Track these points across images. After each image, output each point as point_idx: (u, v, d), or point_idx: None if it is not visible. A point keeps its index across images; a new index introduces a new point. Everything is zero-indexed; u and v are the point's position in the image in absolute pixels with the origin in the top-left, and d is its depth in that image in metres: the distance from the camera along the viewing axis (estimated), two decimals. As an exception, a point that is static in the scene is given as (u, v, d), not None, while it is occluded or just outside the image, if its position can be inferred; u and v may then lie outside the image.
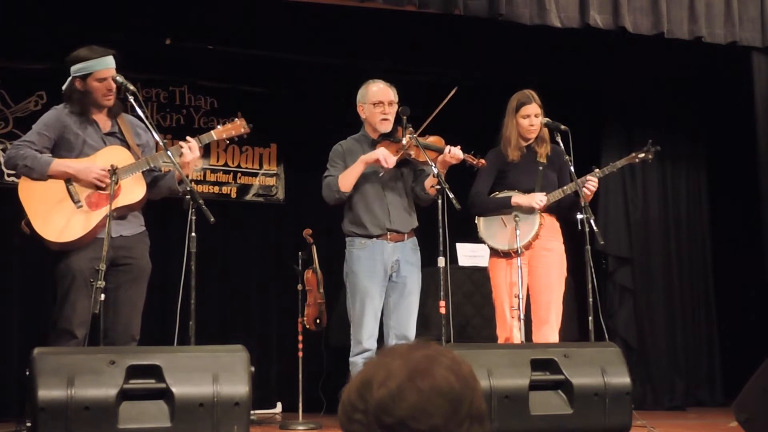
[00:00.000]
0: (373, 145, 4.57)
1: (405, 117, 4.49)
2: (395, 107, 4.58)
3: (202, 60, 6.73)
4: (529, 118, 4.79)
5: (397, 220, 4.53)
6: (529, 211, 4.74)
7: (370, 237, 4.49)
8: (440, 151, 4.47)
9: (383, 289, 4.49)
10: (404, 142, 4.49)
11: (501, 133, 4.88)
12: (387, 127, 4.56)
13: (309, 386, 5.99)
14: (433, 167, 4.34)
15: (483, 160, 4.61)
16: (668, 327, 6.89)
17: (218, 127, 4.30)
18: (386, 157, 4.41)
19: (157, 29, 6.34)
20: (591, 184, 4.77)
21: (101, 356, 3.35)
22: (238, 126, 4.30)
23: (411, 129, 4.50)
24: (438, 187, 4.30)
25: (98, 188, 3.98)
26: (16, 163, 4.00)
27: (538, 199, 4.72)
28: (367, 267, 4.46)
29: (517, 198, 4.75)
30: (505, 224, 4.76)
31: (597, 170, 4.89)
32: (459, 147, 4.48)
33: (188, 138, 4.16)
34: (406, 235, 4.56)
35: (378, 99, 4.57)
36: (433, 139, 4.58)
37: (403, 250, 4.53)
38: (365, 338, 4.40)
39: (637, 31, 5.74)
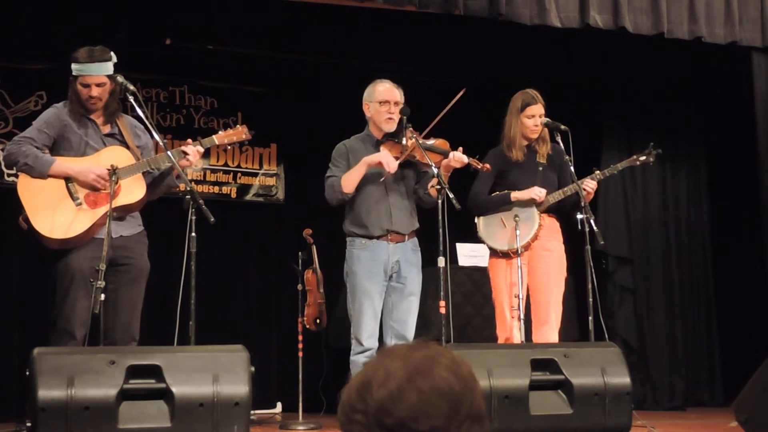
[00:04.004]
0: (377, 145, 4.56)
1: (405, 117, 4.48)
2: (401, 108, 4.57)
3: (202, 60, 6.73)
4: (534, 118, 4.79)
5: (399, 221, 4.52)
6: (529, 205, 4.73)
7: (371, 237, 4.49)
8: (445, 154, 4.47)
9: (383, 289, 4.49)
10: (404, 142, 4.49)
11: (503, 133, 4.87)
12: (392, 127, 4.55)
13: (309, 386, 5.99)
14: (433, 167, 4.33)
15: (488, 165, 4.60)
16: (668, 327, 6.89)
17: (220, 132, 4.31)
18: (389, 161, 4.40)
19: (157, 29, 6.34)
20: (589, 186, 4.77)
21: (101, 356, 3.35)
22: (240, 132, 4.31)
23: (411, 129, 4.49)
24: (438, 186, 4.30)
25: (96, 190, 3.98)
26: (17, 159, 4.00)
27: (537, 190, 4.72)
28: (367, 267, 4.46)
29: (516, 193, 4.75)
30: (504, 224, 4.76)
31: (597, 172, 4.89)
32: (461, 149, 4.47)
33: (190, 141, 4.16)
34: (406, 236, 4.55)
35: (384, 98, 4.56)
36: (437, 142, 4.56)
37: (403, 250, 4.53)
38: (365, 338, 4.40)
39: (637, 31, 5.74)
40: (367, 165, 4.44)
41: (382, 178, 4.46)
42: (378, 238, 4.49)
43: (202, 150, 4.16)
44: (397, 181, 4.57)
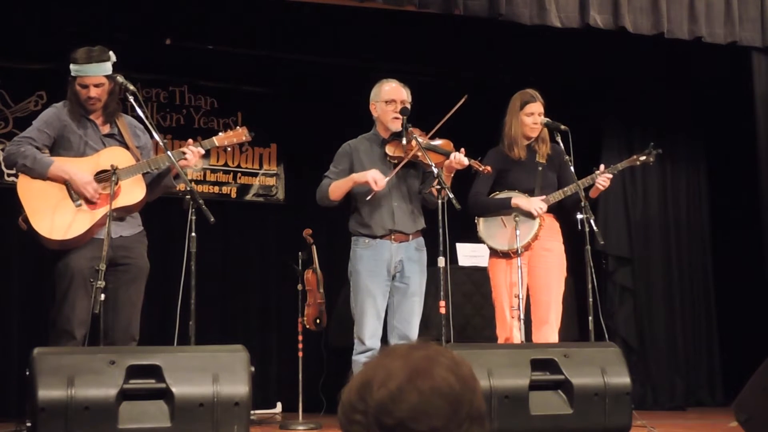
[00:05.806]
0: (383, 145, 4.56)
1: (404, 117, 4.48)
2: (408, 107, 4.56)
3: (202, 60, 6.73)
4: (533, 116, 4.79)
5: (402, 222, 4.52)
6: (529, 213, 4.73)
7: (374, 237, 4.49)
8: (447, 155, 4.46)
9: (386, 289, 4.48)
10: (404, 141, 4.48)
11: (503, 133, 4.87)
12: (399, 126, 4.54)
13: (309, 386, 5.98)
14: (433, 167, 4.33)
15: (489, 168, 4.60)
16: (668, 327, 6.89)
17: (220, 133, 4.31)
18: (377, 180, 4.39)
19: (157, 29, 6.34)
20: (602, 183, 4.75)
21: (101, 356, 3.35)
22: (240, 134, 4.31)
23: (412, 129, 4.48)
24: (438, 187, 4.29)
25: (87, 200, 3.97)
26: (16, 160, 4.00)
27: (538, 206, 4.70)
28: (370, 266, 4.46)
29: (517, 200, 4.75)
30: (504, 224, 4.76)
31: (597, 172, 4.86)
32: (464, 151, 4.47)
33: (191, 141, 4.16)
34: (410, 236, 4.55)
35: (391, 97, 4.55)
36: (442, 143, 4.55)
37: (407, 250, 4.52)
38: (367, 337, 4.40)
39: (637, 31, 5.74)
40: (353, 182, 4.45)
41: (369, 197, 4.44)
42: (381, 237, 4.48)
43: (202, 152, 4.15)
44: (401, 182, 4.56)
